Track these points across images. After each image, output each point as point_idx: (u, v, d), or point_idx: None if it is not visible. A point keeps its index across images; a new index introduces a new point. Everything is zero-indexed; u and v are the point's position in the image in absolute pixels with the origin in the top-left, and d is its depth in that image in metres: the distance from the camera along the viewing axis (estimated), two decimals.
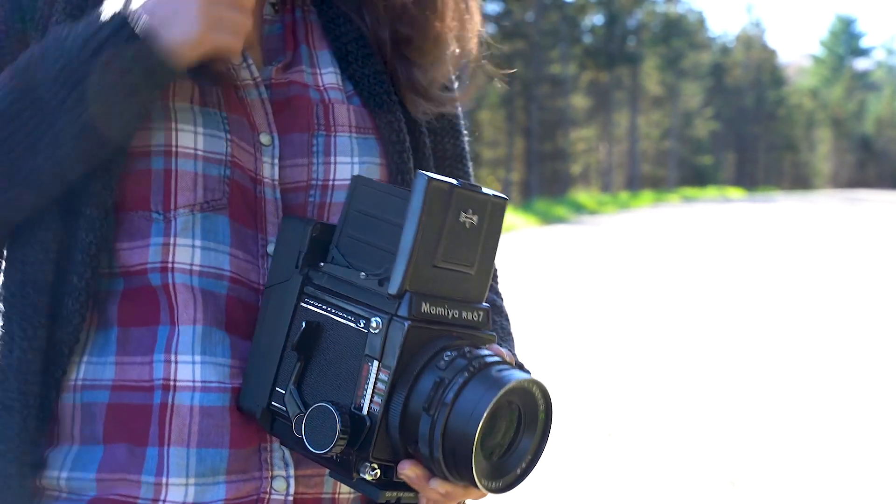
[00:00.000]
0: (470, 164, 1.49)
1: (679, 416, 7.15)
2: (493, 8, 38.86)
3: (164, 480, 1.21)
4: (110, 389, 1.24)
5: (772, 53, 71.96)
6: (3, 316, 1.23)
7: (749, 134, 69.64)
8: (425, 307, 1.16)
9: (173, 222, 1.23)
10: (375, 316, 1.15)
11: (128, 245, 1.24)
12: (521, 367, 1.30)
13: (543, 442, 1.20)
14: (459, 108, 1.46)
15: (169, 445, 1.21)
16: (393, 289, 1.15)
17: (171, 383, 1.21)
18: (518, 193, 38.07)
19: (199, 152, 1.24)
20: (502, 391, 1.12)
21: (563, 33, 42.81)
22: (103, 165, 1.21)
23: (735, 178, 68.03)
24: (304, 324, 1.19)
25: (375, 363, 1.14)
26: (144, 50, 1.16)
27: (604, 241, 20.84)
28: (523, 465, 1.18)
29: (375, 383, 1.15)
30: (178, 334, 1.22)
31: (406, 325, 1.14)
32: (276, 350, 1.21)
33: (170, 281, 1.23)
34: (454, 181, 1.17)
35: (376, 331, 1.15)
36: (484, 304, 1.23)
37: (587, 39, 47.32)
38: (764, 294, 13.42)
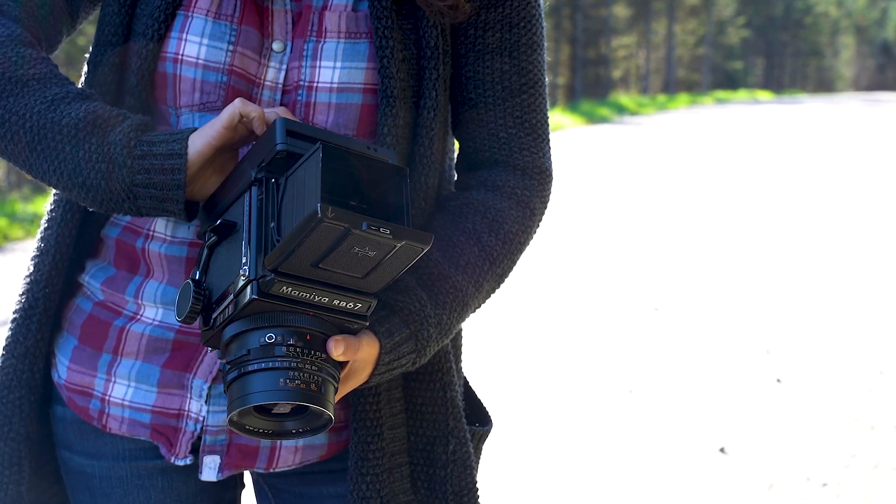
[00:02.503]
0: (529, 53, 1.40)
1: (720, 292, 7.20)
2: None
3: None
4: (122, 229, 1.40)
5: None
6: None
7: (777, 41, 68.10)
8: (286, 290, 1.14)
9: (180, 118, 1.34)
10: (247, 267, 1.15)
11: (164, 128, 1.35)
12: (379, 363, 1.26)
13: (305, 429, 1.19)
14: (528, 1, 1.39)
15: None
16: (267, 262, 1.13)
17: (152, 232, 1.37)
18: (564, 96, 37.70)
19: (200, 61, 1.31)
20: (260, 402, 1.13)
21: None
22: (138, 64, 1.32)
23: (763, 81, 66.73)
24: (219, 221, 1.21)
25: (232, 296, 1.17)
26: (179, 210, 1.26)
27: (645, 139, 20.66)
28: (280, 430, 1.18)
29: (228, 306, 1.18)
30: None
31: (252, 296, 1.14)
32: (222, 208, 1.25)
33: None
34: (359, 223, 1.07)
35: (242, 278, 1.15)
36: (371, 296, 1.18)
37: None
38: (795, 180, 13.30)
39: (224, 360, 1.19)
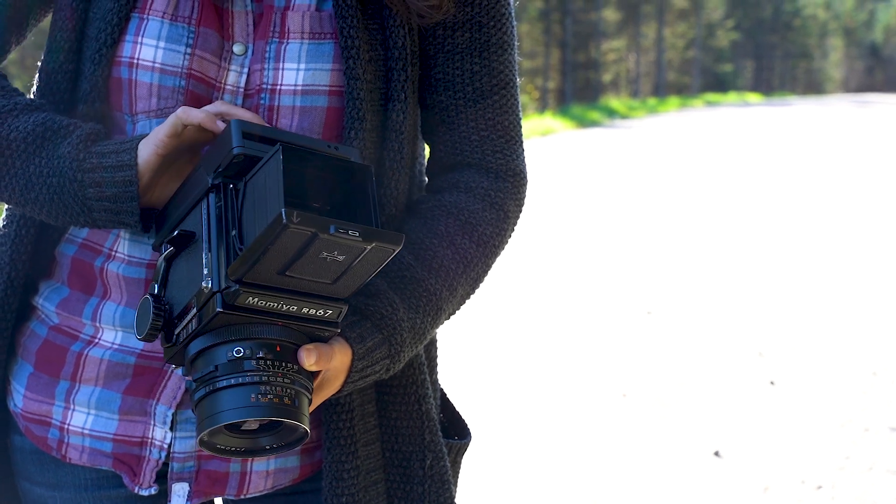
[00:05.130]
0: (499, 53, 1.35)
1: (713, 295, 7.16)
2: None
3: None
4: (78, 246, 1.34)
5: None
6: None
7: (767, 43, 68.32)
8: (252, 301, 1.08)
9: (136, 125, 1.28)
10: (210, 279, 1.09)
11: (119, 137, 1.29)
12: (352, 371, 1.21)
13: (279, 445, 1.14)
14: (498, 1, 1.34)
15: (108, 299, 1.32)
16: (231, 272, 1.07)
17: (113, 252, 1.32)
18: (554, 100, 37.73)
19: (157, 65, 1.26)
20: (232, 420, 1.08)
21: None
22: (91, 70, 1.26)
23: (753, 84, 66.93)
24: (176, 231, 1.15)
25: (195, 310, 1.11)
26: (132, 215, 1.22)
27: (636, 142, 20.66)
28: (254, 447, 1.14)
29: (191, 320, 1.12)
30: None
31: (217, 309, 1.08)
32: (178, 218, 1.20)
33: None
34: (327, 227, 1.01)
35: (206, 291, 1.09)
36: (341, 301, 1.12)
37: None
38: (786, 183, 13.31)
39: (190, 378, 1.12)
